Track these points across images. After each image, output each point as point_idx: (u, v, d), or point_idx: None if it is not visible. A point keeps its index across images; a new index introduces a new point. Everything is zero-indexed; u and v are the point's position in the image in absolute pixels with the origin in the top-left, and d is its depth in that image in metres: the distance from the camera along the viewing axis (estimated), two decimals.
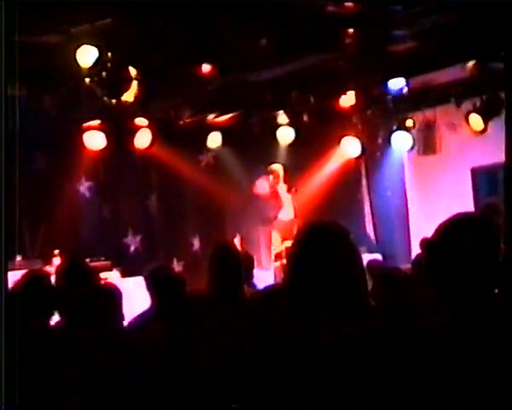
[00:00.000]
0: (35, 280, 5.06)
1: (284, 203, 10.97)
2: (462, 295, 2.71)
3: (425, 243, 2.83)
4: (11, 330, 3.67)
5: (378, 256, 10.23)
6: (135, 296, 6.23)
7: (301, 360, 2.79)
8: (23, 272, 8.98)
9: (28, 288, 4.91)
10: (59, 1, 6.68)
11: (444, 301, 2.75)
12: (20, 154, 10.67)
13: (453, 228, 2.81)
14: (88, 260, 8.75)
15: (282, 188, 11.08)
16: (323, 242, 3.00)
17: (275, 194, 10.98)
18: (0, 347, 3.59)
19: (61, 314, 4.88)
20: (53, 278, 5.40)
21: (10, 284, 8.52)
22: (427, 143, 11.98)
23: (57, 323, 4.94)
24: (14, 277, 8.91)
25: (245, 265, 7.50)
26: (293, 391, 2.76)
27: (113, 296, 4.81)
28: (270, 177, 11.03)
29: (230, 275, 5.43)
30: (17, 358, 3.73)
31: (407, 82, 10.40)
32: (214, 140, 12.10)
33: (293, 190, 10.78)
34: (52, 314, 4.84)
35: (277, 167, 11.19)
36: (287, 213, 10.85)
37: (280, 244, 10.17)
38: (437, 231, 2.82)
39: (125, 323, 5.15)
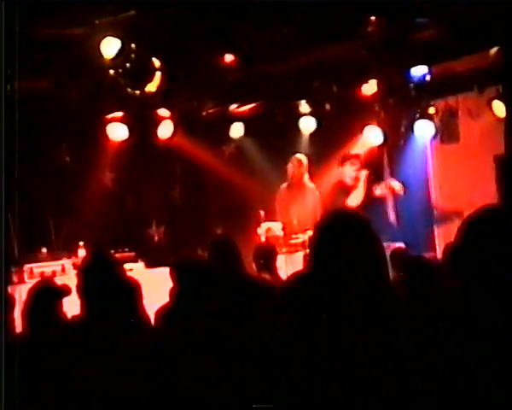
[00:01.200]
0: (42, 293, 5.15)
1: (308, 192, 10.96)
2: (489, 286, 2.70)
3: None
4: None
5: (401, 245, 10.19)
6: (159, 287, 6.25)
7: (323, 348, 2.81)
8: (48, 264, 9.17)
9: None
10: None
11: (469, 292, 2.74)
12: (45, 147, 10.82)
13: (480, 222, 2.79)
14: (112, 251, 8.82)
15: (306, 177, 11.07)
16: (344, 231, 3.01)
17: (299, 183, 10.97)
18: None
19: (83, 306, 4.91)
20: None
21: (37, 276, 8.65)
22: (449, 131, 11.93)
23: (78, 315, 4.98)
24: (39, 269, 9.05)
25: (266, 256, 7.59)
26: (316, 379, 2.78)
27: (134, 289, 4.86)
28: (295, 165, 11.01)
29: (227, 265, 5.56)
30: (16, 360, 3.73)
31: (429, 70, 10.36)
32: (236, 130, 12.13)
33: (320, 180, 10.81)
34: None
35: (301, 157, 11.17)
36: (312, 203, 10.84)
37: (303, 233, 10.17)
38: (465, 225, 2.80)
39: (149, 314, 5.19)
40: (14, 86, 3.96)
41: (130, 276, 5.21)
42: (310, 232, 9.25)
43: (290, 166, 11.05)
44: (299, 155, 11.21)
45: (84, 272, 4.85)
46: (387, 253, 8.67)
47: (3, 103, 3.88)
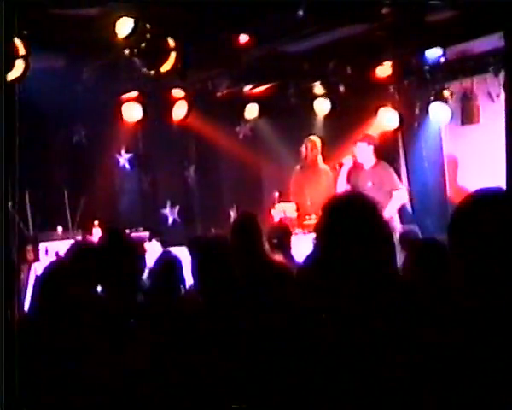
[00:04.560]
0: (82, 251, 5.12)
1: (322, 174, 10.95)
2: (494, 271, 2.69)
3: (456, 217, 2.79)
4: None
5: (414, 227, 10.18)
6: None
7: (332, 333, 2.82)
8: (63, 242, 9.22)
9: (75, 259, 4.97)
10: None
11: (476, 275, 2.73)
12: (60, 126, 10.88)
13: (480, 203, 2.76)
14: (127, 230, 8.87)
15: (320, 159, 11.06)
16: (349, 214, 3.01)
17: (313, 165, 10.97)
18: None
19: (103, 285, 4.94)
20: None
21: (53, 255, 8.71)
22: (464, 114, 11.88)
23: (99, 293, 5.01)
24: (55, 248, 9.11)
25: (281, 236, 7.58)
26: (325, 363, 2.79)
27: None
28: (309, 146, 11.00)
29: (249, 243, 5.53)
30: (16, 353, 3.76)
31: (444, 52, 10.32)
32: (251, 111, 12.14)
33: (337, 165, 10.72)
34: (97, 285, 4.91)
35: (315, 139, 11.17)
36: (326, 184, 10.82)
37: (317, 214, 10.18)
38: (464, 204, 2.77)
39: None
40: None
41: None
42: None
43: (304, 148, 11.04)
44: (312, 137, 11.20)
45: (101, 250, 4.87)
46: (398, 235, 8.73)
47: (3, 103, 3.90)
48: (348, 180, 10.52)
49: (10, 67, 7.65)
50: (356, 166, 10.56)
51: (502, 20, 8.24)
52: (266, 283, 4.98)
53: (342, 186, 10.45)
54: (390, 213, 9.75)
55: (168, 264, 5.43)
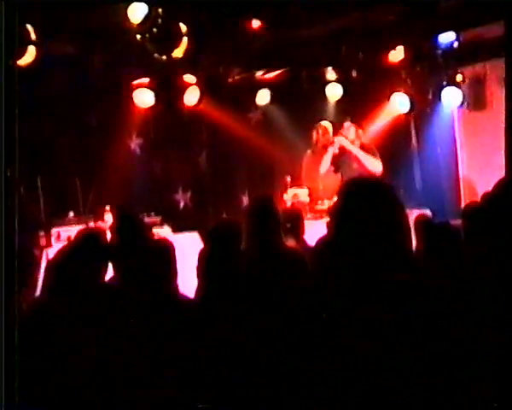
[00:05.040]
0: (91, 237, 5.11)
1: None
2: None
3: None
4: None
5: (427, 211, 10.16)
6: (185, 252, 6.28)
7: (346, 315, 2.81)
8: (75, 228, 9.23)
9: (84, 244, 4.96)
10: None
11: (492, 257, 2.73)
12: (72, 112, 10.87)
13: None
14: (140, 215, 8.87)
15: (331, 145, 11.05)
16: (365, 197, 3.00)
17: (325, 150, 10.95)
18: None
19: (115, 269, 4.94)
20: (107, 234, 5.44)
21: (65, 240, 8.72)
22: (477, 99, 11.84)
23: (111, 278, 5.02)
24: (66, 233, 9.13)
25: (293, 220, 7.57)
26: (341, 344, 2.79)
27: (167, 251, 4.83)
28: (320, 131, 10.99)
29: (266, 228, 5.49)
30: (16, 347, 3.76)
31: (457, 36, 10.27)
32: (263, 97, 12.13)
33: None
34: (106, 270, 4.90)
35: (327, 124, 11.15)
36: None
37: (329, 199, 10.18)
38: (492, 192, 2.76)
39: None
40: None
41: (162, 237, 5.19)
42: (335, 198, 9.25)
43: (315, 133, 11.04)
44: (324, 122, 11.19)
45: (113, 234, 4.88)
46: (411, 219, 8.71)
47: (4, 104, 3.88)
48: (333, 162, 10.60)
49: (22, 53, 7.66)
50: (341, 148, 10.62)
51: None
52: (281, 269, 4.96)
53: (325, 167, 10.55)
54: None
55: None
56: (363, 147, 10.75)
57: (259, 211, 5.63)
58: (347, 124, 10.85)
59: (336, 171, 10.63)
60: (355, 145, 10.70)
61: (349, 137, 10.73)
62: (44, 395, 3.86)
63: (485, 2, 8.62)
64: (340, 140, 10.69)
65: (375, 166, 10.57)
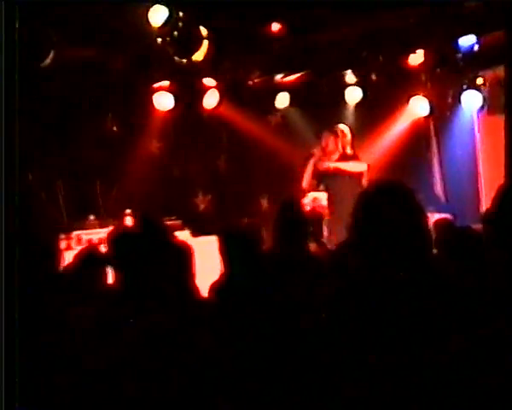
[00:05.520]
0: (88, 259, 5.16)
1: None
2: None
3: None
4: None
5: (448, 216, 10.13)
6: (205, 256, 6.29)
7: (368, 316, 2.81)
8: (96, 231, 9.27)
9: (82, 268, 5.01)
10: None
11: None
12: (92, 115, 10.91)
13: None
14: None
15: (348, 148, 11.03)
16: (386, 200, 3.01)
17: (343, 154, 10.94)
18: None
19: (135, 271, 4.94)
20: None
21: (85, 243, 8.75)
22: (498, 102, 11.79)
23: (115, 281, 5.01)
24: (87, 236, 9.16)
25: (313, 223, 7.57)
26: (367, 342, 2.79)
27: (187, 254, 4.84)
28: (338, 135, 10.97)
29: (295, 232, 5.48)
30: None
31: (478, 39, 10.23)
32: (282, 100, 12.12)
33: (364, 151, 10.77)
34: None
35: (344, 127, 11.13)
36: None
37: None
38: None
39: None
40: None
41: (181, 241, 5.19)
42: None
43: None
44: (341, 126, 11.17)
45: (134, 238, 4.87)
46: (431, 223, 8.69)
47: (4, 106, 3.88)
48: (313, 175, 10.55)
49: (44, 56, 7.70)
50: (324, 156, 10.56)
51: None
52: (310, 272, 4.96)
53: (307, 181, 10.50)
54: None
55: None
56: (344, 156, 10.65)
57: (288, 215, 5.66)
58: (326, 134, 10.74)
59: (318, 185, 10.55)
60: (335, 155, 10.60)
61: (329, 148, 10.63)
62: (45, 400, 3.85)
63: (507, 5, 8.57)
64: (318, 151, 10.61)
65: (358, 167, 10.48)
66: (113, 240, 4.90)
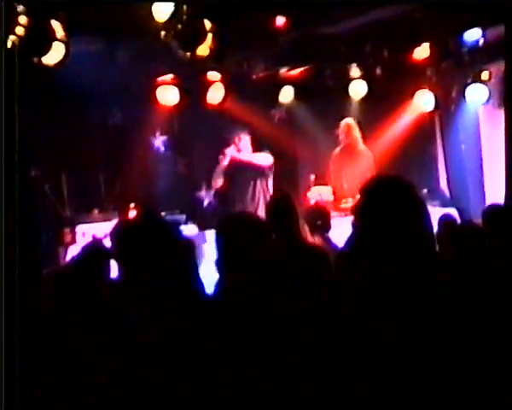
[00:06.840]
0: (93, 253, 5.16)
1: (361, 156, 10.90)
2: None
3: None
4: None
5: (452, 210, 10.12)
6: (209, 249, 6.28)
7: (370, 313, 2.80)
8: (100, 224, 9.27)
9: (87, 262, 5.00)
10: None
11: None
12: (96, 109, 10.91)
13: None
14: (163, 213, 8.89)
15: (359, 141, 11.05)
16: (388, 195, 3.00)
17: (351, 147, 10.94)
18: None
19: (138, 267, 4.92)
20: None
21: (89, 237, 8.75)
22: (502, 97, 11.76)
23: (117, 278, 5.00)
24: (91, 229, 9.17)
25: (319, 218, 7.55)
26: (366, 347, 2.78)
27: (190, 250, 4.82)
28: (345, 129, 10.98)
29: (284, 218, 5.53)
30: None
31: (483, 33, 10.21)
32: (287, 94, 12.10)
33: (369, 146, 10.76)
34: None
35: (350, 121, 11.13)
36: (365, 166, 10.79)
37: (353, 198, 10.16)
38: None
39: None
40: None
41: (185, 236, 5.17)
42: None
43: (341, 131, 11.04)
44: (348, 120, 11.17)
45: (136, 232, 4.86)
46: (436, 217, 8.68)
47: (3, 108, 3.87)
48: (224, 174, 10.69)
49: (46, 50, 7.68)
50: (232, 160, 10.64)
51: None
52: (302, 265, 4.95)
53: (219, 180, 10.73)
54: None
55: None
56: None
57: (277, 208, 5.70)
58: (243, 135, 10.76)
59: (229, 182, 10.57)
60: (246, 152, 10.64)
61: (241, 148, 10.65)
62: (45, 400, 3.84)
63: (507, 4, 8.55)
64: (230, 151, 10.60)
65: (265, 159, 10.60)
66: (117, 234, 4.89)
